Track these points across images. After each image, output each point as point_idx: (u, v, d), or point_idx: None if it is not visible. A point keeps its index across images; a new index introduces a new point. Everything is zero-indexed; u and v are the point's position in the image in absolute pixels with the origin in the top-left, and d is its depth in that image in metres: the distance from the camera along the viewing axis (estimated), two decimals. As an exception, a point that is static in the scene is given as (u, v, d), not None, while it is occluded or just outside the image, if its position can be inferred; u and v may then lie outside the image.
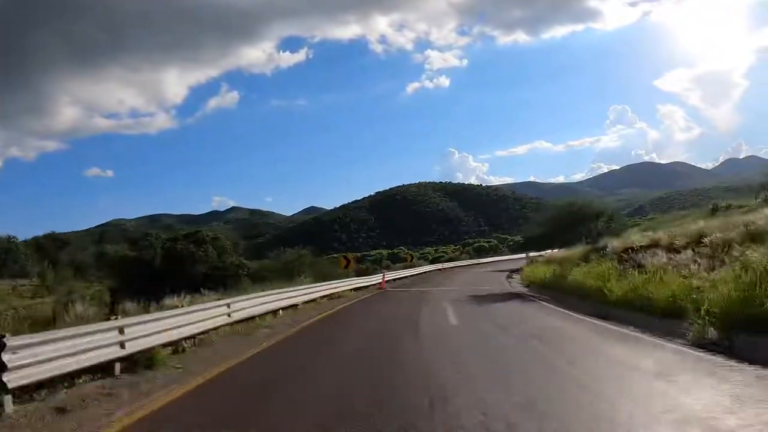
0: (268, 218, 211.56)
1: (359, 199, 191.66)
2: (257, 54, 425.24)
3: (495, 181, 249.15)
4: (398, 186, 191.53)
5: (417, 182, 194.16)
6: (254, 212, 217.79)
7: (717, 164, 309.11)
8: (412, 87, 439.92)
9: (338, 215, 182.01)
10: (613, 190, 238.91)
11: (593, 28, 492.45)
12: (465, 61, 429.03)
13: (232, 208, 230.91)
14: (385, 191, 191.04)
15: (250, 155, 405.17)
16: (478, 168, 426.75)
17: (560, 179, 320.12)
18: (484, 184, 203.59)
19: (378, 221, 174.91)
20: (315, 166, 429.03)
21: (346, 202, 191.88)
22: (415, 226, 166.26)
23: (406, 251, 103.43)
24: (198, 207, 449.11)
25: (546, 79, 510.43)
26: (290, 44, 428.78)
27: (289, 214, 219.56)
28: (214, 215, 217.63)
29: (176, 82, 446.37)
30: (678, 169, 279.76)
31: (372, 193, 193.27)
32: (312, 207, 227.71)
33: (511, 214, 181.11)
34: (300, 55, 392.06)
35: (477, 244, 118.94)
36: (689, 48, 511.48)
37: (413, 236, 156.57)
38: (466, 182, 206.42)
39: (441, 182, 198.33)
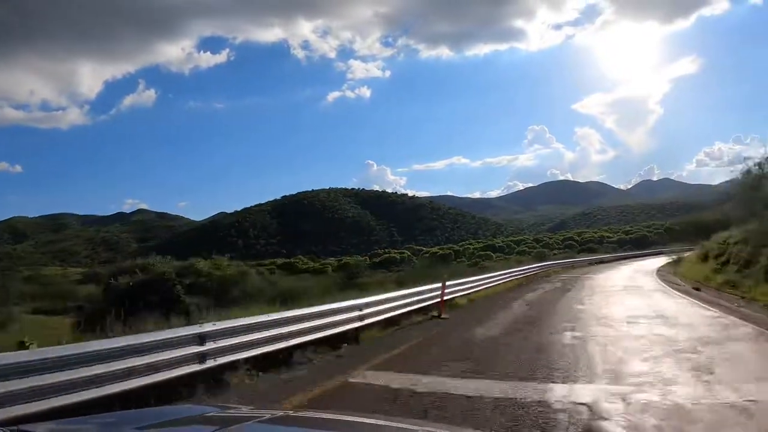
0: (175, 222, 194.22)
1: (263, 203, 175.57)
2: (176, 52, 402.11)
3: (412, 194, 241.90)
4: (307, 191, 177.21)
5: (328, 188, 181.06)
6: (162, 216, 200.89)
7: (631, 185, 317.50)
8: (332, 96, 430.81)
9: (237, 219, 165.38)
10: (531, 206, 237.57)
11: (517, 48, 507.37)
12: (387, 73, 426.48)
13: (139, 210, 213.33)
14: (292, 196, 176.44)
15: (165, 157, 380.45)
16: (396, 181, 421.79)
17: (477, 195, 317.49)
18: (399, 192, 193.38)
19: (281, 227, 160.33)
20: (230, 171, 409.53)
21: (249, 206, 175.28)
22: (322, 233, 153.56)
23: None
24: (109, 208, 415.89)
25: (467, 95, 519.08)
26: (211, 44, 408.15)
27: (199, 219, 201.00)
28: (119, 217, 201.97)
29: (91, 76, 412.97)
30: (595, 188, 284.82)
31: (278, 198, 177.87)
32: (222, 213, 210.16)
33: (427, 225, 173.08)
34: (221, 56, 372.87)
35: (386, 255, 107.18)
36: (608, 73, 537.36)
37: (318, 244, 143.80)
38: (380, 189, 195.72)
39: (354, 189, 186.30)
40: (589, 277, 28.36)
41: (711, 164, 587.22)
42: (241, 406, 2.88)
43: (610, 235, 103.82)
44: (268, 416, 1.82)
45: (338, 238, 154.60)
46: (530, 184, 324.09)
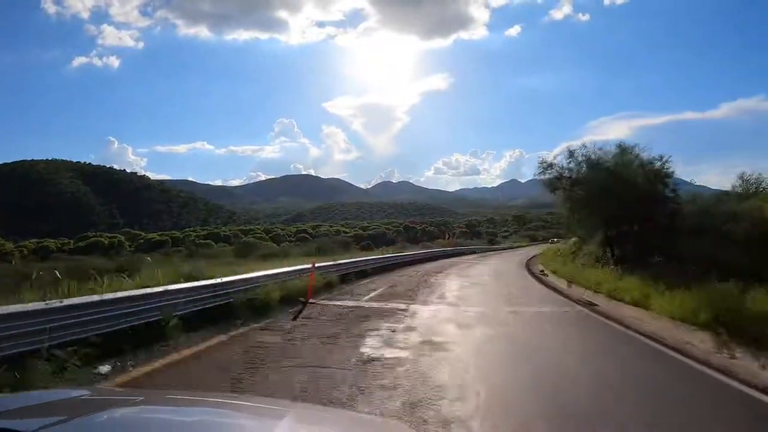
0: None
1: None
2: None
3: (152, 177, 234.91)
4: (22, 160, 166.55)
5: (48, 158, 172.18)
6: None
7: (371, 185, 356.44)
8: (78, 61, 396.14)
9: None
10: (271, 197, 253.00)
11: (278, 39, 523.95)
12: (141, 44, 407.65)
13: None
14: (5, 165, 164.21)
15: None
16: (136, 162, 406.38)
17: (218, 182, 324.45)
18: (128, 170, 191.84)
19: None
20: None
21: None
22: (33, 210, 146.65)
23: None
24: None
25: (219, 80, 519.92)
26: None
27: None
28: None
29: None
30: (336, 185, 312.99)
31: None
32: None
33: (154, 208, 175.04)
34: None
35: (94, 238, 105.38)
36: (362, 78, 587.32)
37: (23, 222, 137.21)
38: (107, 165, 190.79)
39: (77, 162, 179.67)
40: None
41: (448, 172, 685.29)
42: (115, 388, 3.22)
43: (347, 230, 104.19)
44: (142, 398, 1.83)
45: (52, 216, 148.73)
46: (273, 176, 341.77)
